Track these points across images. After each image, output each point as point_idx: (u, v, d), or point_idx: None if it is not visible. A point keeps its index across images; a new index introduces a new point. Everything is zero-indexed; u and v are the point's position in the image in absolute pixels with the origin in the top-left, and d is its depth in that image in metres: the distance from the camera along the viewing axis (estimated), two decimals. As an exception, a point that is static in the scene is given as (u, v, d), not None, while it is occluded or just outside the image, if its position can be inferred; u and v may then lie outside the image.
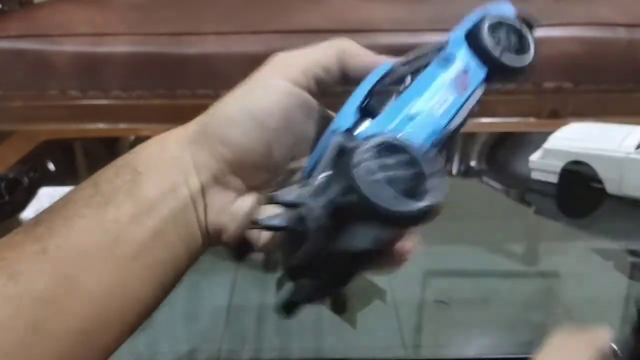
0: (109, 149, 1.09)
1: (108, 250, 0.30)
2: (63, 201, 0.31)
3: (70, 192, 0.32)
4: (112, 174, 0.32)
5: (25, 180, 0.88)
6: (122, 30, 0.84)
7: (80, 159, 1.11)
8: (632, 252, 0.72)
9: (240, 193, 0.34)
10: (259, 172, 0.34)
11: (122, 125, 0.87)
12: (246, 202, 0.34)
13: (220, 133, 0.32)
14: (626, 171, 0.74)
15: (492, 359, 0.58)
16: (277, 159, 0.34)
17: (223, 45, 0.81)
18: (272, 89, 0.33)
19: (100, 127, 0.87)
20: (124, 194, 0.31)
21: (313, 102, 0.34)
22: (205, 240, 0.33)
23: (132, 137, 1.07)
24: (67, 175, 1.02)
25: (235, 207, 0.33)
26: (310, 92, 0.34)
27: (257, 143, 0.32)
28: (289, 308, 0.32)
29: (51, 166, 1.00)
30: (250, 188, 0.34)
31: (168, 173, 0.32)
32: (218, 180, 0.33)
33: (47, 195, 0.73)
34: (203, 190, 0.32)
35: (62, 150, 1.07)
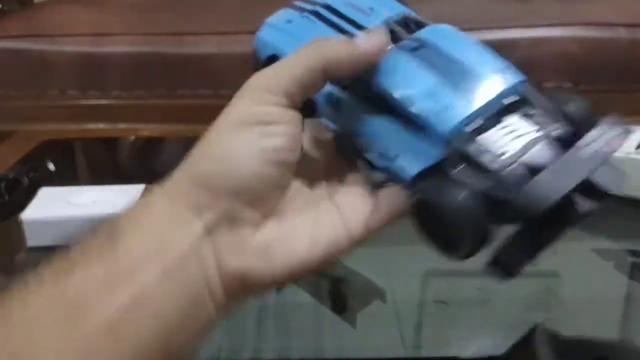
0: (109, 149, 1.09)
1: (69, 323, 0.26)
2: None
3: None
4: (90, 235, 0.28)
5: (25, 180, 0.88)
6: (122, 30, 0.84)
7: (80, 159, 1.11)
8: (632, 252, 0.72)
9: (258, 225, 0.30)
10: (273, 192, 0.30)
11: (122, 125, 0.87)
12: (268, 232, 0.30)
13: (221, 167, 0.29)
14: (626, 171, 0.74)
15: (492, 358, 0.58)
16: (288, 173, 0.31)
17: (223, 45, 0.81)
18: (259, 112, 0.30)
19: (100, 127, 0.86)
20: (97, 257, 0.27)
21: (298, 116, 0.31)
22: (221, 298, 0.29)
23: (132, 137, 1.07)
24: (67, 175, 1.02)
25: (258, 242, 0.29)
26: (296, 107, 0.31)
27: (264, 165, 0.29)
28: (508, 267, 0.30)
29: (51, 166, 1.00)
30: (266, 216, 0.30)
31: (155, 229, 0.28)
32: (229, 217, 0.29)
33: (47, 195, 0.73)
34: (210, 232, 0.28)
35: (62, 150, 1.07)
